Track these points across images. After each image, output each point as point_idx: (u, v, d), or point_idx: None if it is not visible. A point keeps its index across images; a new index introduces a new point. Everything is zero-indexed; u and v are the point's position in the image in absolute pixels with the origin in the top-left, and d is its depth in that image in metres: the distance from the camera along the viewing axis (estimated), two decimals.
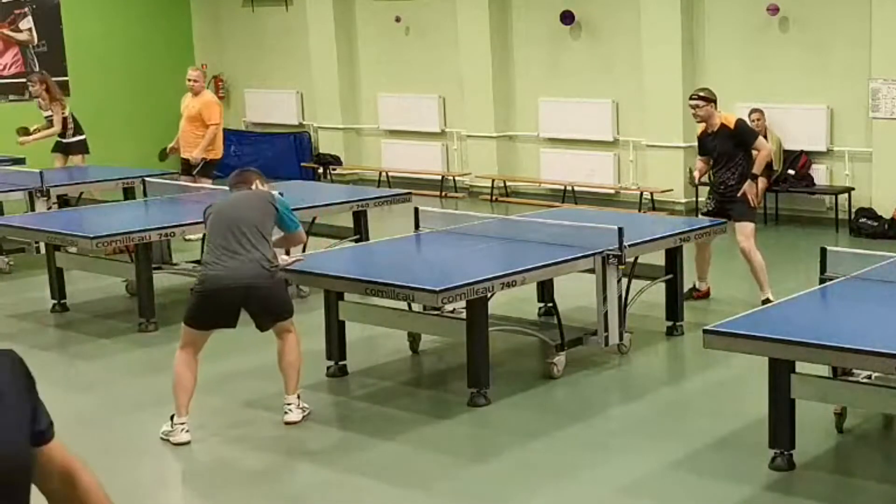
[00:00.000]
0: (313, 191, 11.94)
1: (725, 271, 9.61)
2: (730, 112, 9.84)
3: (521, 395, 7.08)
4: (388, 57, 16.06)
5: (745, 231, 8.87)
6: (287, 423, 6.54)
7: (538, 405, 6.96)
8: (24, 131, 13.24)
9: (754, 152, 8.97)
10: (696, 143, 9.50)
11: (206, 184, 11.55)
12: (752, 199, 8.90)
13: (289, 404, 6.60)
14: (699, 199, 11.80)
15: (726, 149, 8.87)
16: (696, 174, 9.37)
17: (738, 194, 8.88)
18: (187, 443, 6.32)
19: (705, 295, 9.24)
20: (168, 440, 6.35)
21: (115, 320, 9.14)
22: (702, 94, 8.99)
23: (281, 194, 7.08)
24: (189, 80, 12.18)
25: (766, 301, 8.48)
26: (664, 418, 6.76)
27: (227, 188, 7.14)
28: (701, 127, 9.08)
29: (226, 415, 6.84)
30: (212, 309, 6.39)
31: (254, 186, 6.81)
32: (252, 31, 17.56)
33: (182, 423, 6.34)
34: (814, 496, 5.51)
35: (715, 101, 8.95)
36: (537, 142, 14.69)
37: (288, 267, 7.03)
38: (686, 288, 8.72)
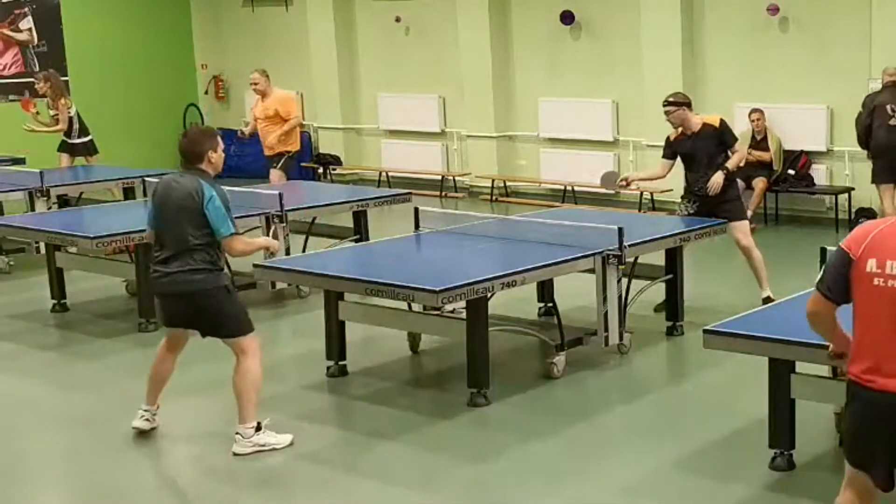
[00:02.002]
0: (313, 191, 11.95)
1: (725, 271, 9.60)
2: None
3: (521, 395, 7.08)
4: (388, 57, 16.06)
5: (742, 229, 8.87)
6: (234, 455, 6.12)
7: (538, 405, 6.95)
8: (35, 115, 13.40)
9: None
10: None
11: (281, 177, 11.66)
12: (715, 189, 8.72)
13: (236, 433, 6.11)
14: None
15: (709, 149, 8.78)
16: (627, 178, 9.22)
17: (708, 186, 8.72)
18: (144, 430, 6.35)
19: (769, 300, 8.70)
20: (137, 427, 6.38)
21: (115, 320, 9.13)
22: (671, 98, 8.83)
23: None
24: (252, 83, 11.99)
25: (767, 299, 8.48)
26: (664, 418, 6.76)
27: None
28: (676, 132, 8.97)
29: (225, 415, 6.82)
30: (164, 313, 6.37)
31: (204, 160, 6.05)
32: (252, 31, 17.55)
33: (145, 410, 6.38)
34: (814, 496, 5.51)
35: (688, 104, 8.83)
36: (537, 142, 14.68)
37: (258, 252, 6.45)
38: (686, 289, 8.67)
